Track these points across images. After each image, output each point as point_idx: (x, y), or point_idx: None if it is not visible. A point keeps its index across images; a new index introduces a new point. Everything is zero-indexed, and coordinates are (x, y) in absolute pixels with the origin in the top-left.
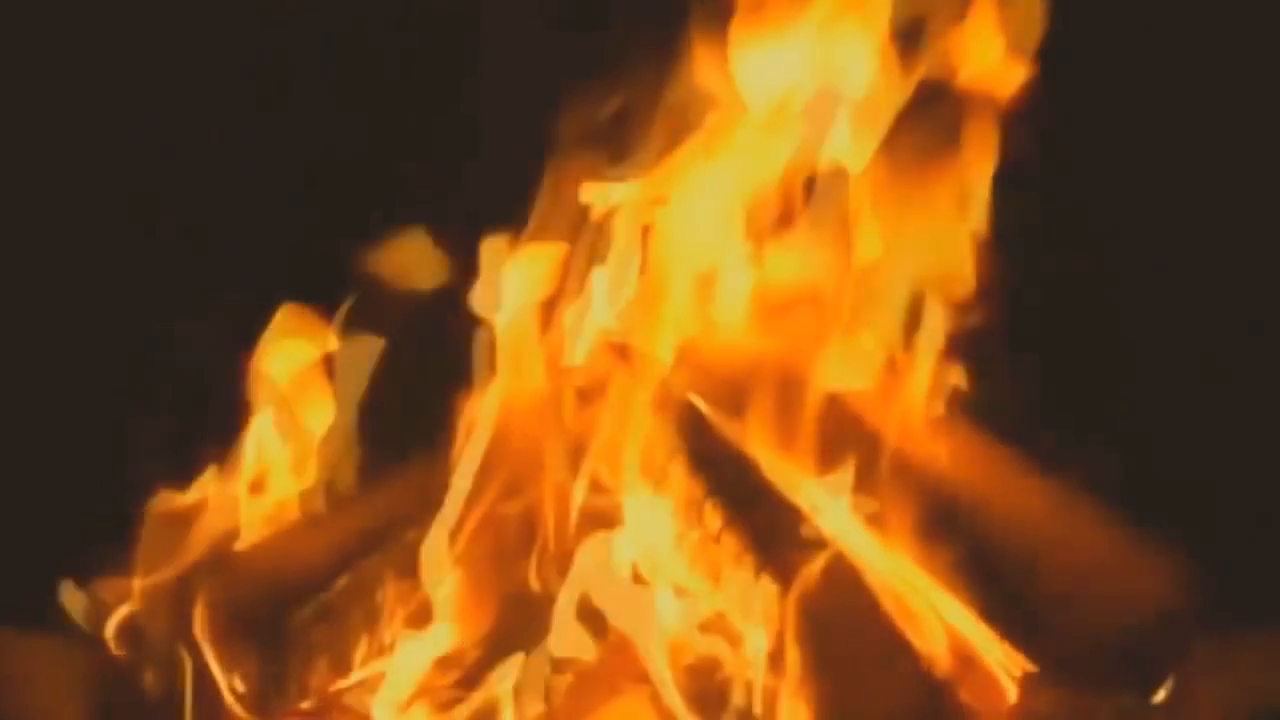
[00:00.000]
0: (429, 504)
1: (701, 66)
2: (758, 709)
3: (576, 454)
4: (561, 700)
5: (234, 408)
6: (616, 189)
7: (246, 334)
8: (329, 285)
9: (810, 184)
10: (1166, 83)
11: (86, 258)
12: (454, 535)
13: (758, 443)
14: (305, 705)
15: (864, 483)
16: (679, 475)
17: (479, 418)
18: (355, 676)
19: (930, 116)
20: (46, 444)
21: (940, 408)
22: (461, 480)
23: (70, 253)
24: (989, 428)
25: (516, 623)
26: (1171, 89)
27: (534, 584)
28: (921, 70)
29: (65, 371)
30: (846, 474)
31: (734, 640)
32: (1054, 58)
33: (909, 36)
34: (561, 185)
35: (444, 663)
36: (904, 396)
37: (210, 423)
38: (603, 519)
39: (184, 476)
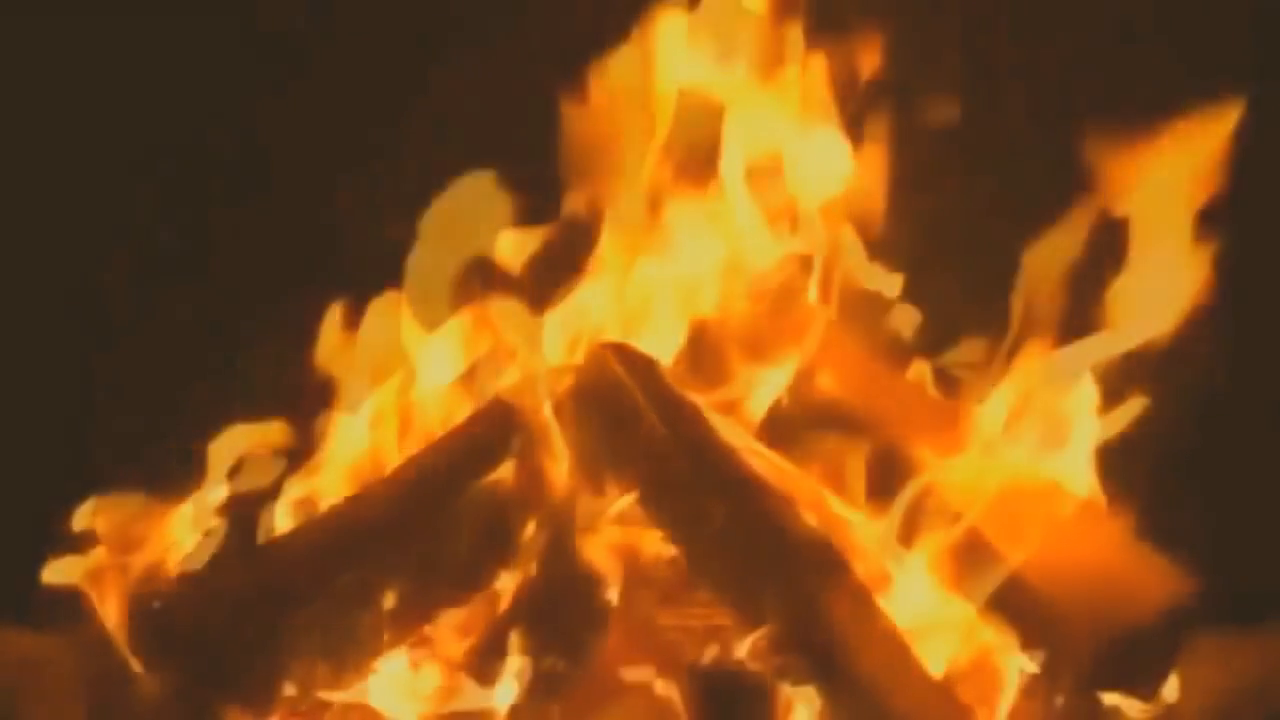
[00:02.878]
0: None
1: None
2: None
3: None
4: (562, 701)
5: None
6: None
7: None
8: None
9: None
10: None
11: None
12: None
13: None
14: (304, 706)
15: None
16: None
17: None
18: (354, 677)
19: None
20: (47, 442)
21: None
22: None
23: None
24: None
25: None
26: None
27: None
28: None
29: (67, 369)
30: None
31: (738, 645)
32: None
33: None
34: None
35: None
36: (903, 395)
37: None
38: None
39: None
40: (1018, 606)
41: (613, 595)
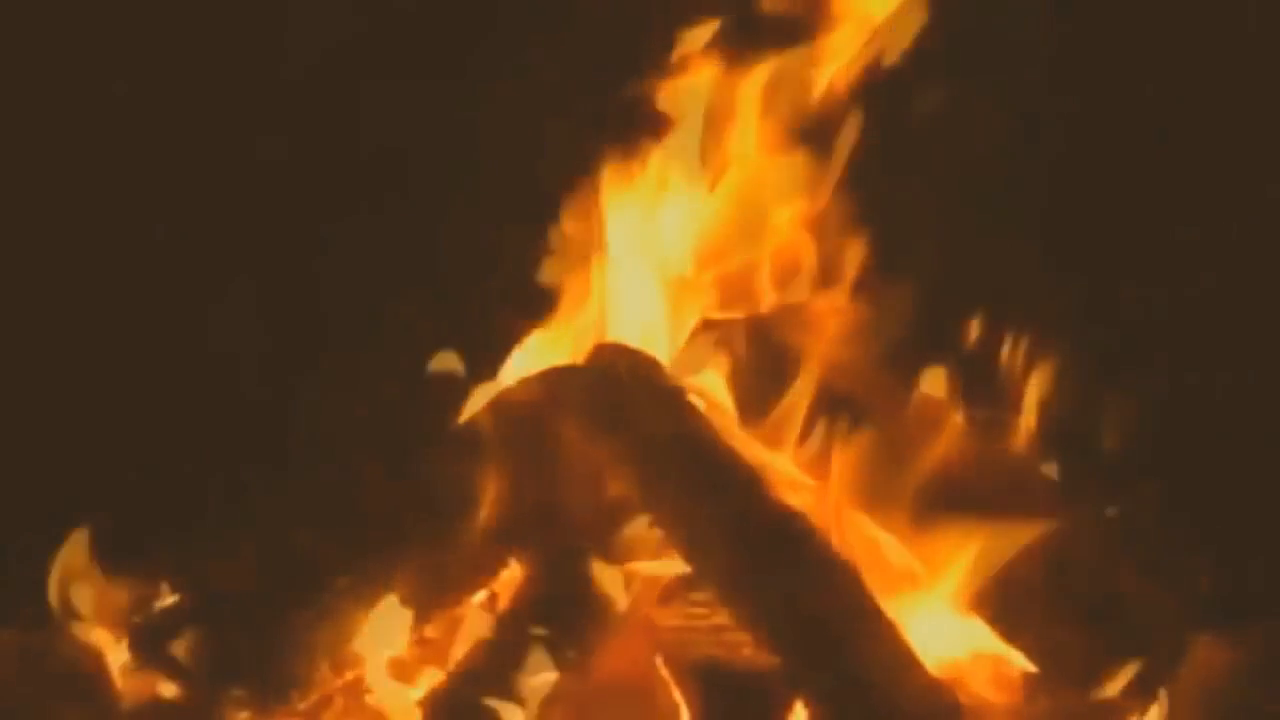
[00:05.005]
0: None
1: None
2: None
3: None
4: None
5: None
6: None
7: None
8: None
9: None
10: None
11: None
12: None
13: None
14: (305, 705)
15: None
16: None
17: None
18: (354, 676)
19: None
20: (51, 442)
21: (941, 406)
22: None
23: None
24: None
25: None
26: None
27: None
28: None
29: (74, 368)
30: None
31: (739, 646)
32: None
33: None
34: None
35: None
36: (903, 393)
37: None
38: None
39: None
40: (1019, 607)
41: (614, 596)
